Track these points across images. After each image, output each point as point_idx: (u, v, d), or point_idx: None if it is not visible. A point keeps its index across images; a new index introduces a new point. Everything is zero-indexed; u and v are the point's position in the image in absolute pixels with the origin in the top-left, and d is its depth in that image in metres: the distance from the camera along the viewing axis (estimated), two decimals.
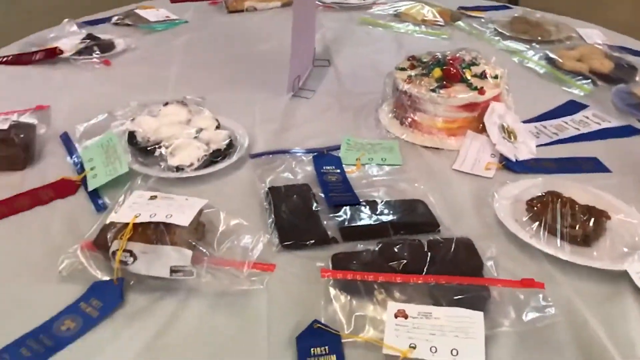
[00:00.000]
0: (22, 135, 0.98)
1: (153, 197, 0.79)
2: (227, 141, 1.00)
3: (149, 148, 0.98)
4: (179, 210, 0.76)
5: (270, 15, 1.76)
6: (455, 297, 0.68)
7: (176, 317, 0.69)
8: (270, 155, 1.02)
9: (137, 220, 0.74)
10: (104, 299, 0.71)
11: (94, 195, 0.91)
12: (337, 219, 0.85)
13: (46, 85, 1.28)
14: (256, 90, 1.26)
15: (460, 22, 1.68)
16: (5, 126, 0.97)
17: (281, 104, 1.22)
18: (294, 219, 0.84)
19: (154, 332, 0.67)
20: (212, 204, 0.80)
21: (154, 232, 0.73)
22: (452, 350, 0.62)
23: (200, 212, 0.78)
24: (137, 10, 1.63)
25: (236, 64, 1.41)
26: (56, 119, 1.12)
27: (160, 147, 0.96)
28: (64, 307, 0.70)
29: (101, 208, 0.88)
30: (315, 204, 0.87)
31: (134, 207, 0.77)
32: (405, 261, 0.73)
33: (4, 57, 1.39)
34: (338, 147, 1.04)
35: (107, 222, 0.77)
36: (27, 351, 0.64)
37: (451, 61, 1.07)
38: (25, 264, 0.77)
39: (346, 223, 0.84)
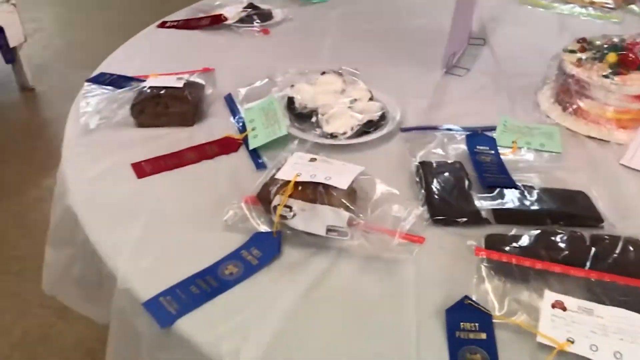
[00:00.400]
0: (193, 94, 1.06)
1: (313, 160, 0.83)
2: (380, 113, 1.01)
3: (305, 114, 1.02)
4: (337, 173, 0.79)
5: None
6: (622, 298, 0.64)
7: (328, 274, 0.72)
8: (421, 131, 1.02)
9: (298, 179, 0.78)
10: (263, 249, 0.76)
11: (254, 154, 0.97)
12: (490, 200, 0.83)
13: (211, 49, 1.37)
14: (409, 64, 1.26)
15: (634, 6, 1.54)
16: (180, 85, 1.06)
17: (434, 80, 1.20)
18: (446, 195, 0.83)
19: (308, 285, 0.71)
20: (366, 172, 0.82)
21: (313, 192, 0.77)
22: (615, 353, 0.59)
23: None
24: None
25: (389, 38, 1.41)
26: (220, 81, 1.20)
27: (316, 114, 1.00)
28: (228, 253, 0.75)
29: (261, 166, 0.93)
30: (467, 183, 0.86)
31: (295, 166, 0.81)
32: (565, 252, 0.70)
33: (174, 21, 1.51)
34: (492, 128, 1.01)
35: (270, 178, 0.82)
36: (196, 289, 0.71)
37: (630, 46, 0.99)
38: (193, 211, 0.84)
39: (500, 205, 0.82)
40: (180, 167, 0.94)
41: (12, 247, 1.81)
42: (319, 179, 0.78)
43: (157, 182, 0.91)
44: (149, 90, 1.04)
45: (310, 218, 0.75)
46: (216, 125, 1.06)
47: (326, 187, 0.77)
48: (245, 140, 1.00)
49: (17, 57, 2.62)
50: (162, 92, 1.03)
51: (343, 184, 0.76)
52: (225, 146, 0.99)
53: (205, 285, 0.71)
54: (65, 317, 1.56)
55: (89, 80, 1.20)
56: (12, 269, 1.72)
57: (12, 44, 2.54)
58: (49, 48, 3.10)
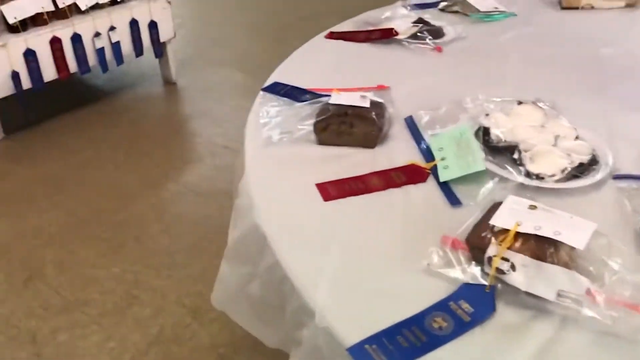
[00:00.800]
0: (378, 115, 1.00)
1: (533, 207, 0.74)
2: (590, 156, 0.90)
3: (502, 147, 0.93)
4: (568, 228, 0.69)
5: (612, 15, 1.56)
6: None
7: (553, 345, 0.63)
8: (638, 180, 0.89)
9: (519, 230, 0.69)
10: (474, 304, 0.68)
11: (446, 186, 0.89)
12: None
13: (381, 65, 1.31)
14: (607, 99, 1.13)
15: None
16: (366, 104, 1.00)
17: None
18: None
19: (531, 355, 0.62)
20: (599, 230, 0.71)
21: (538, 247, 0.68)
22: None
23: None
24: None
25: (576, 67, 1.28)
26: (395, 100, 1.14)
27: (518, 150, 0.90)
28: (433, 303, 0.68)
29: (455, 202, 0.85)
30: None
31: (512, 213, 0.73)
32: None
33: (342, 32, 1.46)
34: None
35: (480, 222, 0.74)
36: (404, 341, 0.64)
37: None
38: (387, 246, 0.78)
39: None
40: (366, 194, 0.88)
41: (152, 241, 1.85)
42: (547, 233, 0.68)
43: (345, 207, 0.85)
44: (333, 108, 1.00)
45: (535, 277, 0.66)
46: (398, 149, 0.99)
47: (553, 242, 0.68)
48: (433, 170, 0.92)
49: (165, 52, 2.73)
50: (348, 111, 0.98)
51: (579, 243, 0.67)
52: (413, 175, 0.92)
53: (413, 338, 0.64)
54: (200, 319, 1.57)
55: (264, 90, 1.18)
56: (152, 263, 1.76)
57: (162, 39, 2.66)
58: (191, 44, 3.22)
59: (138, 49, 2.57)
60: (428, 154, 0.97)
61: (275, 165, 0.96)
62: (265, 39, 3.44)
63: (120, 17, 2.46)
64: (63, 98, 2.67)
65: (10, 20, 2.14)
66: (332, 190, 0.89)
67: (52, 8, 2.26)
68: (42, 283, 1.70)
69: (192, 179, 2.18)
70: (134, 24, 2.51)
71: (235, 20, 3.75)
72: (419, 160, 0.96)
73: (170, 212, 2.01)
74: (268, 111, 1.08)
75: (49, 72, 2.30)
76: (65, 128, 2.49)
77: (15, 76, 2.19)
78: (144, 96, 2.76)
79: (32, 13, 2.19)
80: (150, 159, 2.30)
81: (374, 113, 0.99)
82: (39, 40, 2.23)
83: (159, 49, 2.67)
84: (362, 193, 0.88)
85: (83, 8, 2.34)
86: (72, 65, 2.36)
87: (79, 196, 2.08)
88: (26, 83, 2.24)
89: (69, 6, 2.31)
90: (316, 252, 0.77)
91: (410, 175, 0.92)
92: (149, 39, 2.59)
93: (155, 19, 2.58)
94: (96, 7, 2.39)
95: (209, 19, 3.76)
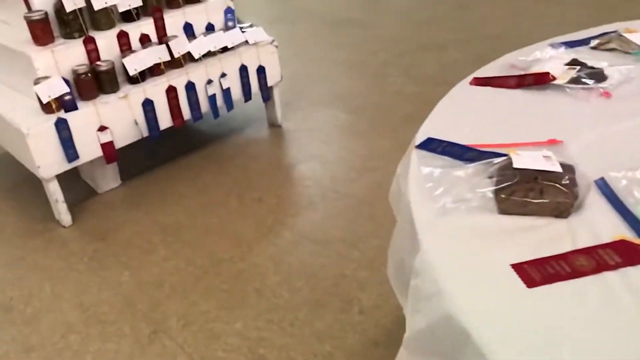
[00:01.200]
0: (570, 179, 0.88)
1: None
2: None
3: None
4: None
5: None
6: None
7: None
8: None
9: None
10: None
11: None
12: None
13: (542, 115, 1.18)
14: None
15: None
16: (556, 168, 0.88)
17: None
18: None
19: None
20: None
21: None
22: None
23: None
24: (624, 34, 1.43)
25: None
26: (573, 158, 1.00)
27: None
28: None
29: None
30: None
31: None
32: None
33: (489, 78, 1.35)
34: None
35: None
36: None
37: None
38: (625, 351, 0.65)
39: None
40: (574, 278, 0.75)
41: (272, 294, 1.79)
42: None
43: (554, 295, 0.73)
44: (519, 173, 0.88)
45: None
46: (596, 219, 0.85)
47: None
48: None
49: (272, 95, 2.73)
50: (538, 177, 0.86)
51: None
52: (627, 254, 0.78)
53: None
54: None
55: (419, 147, 1.08)
56: (274, 318, 1.69)
57: (270, 83, 2.65)
58: (293, 85, 3.21)
59: (247, 94, 2.58)
60: (638, 227, 0.82)
61: (454, 239, 0.85)
62: (363, 76, 3.38)
63: (230, 63, 2.48)
64: (172, 144, 2.71)
65: (131, 72, 2.20)
66: (534, 273, 0.76)
67: (168, 58, 2.31)
68: (167, 337, 1.67)
69: (306, 226, 2.12)
70: (243, 69, 2.52)
71: (333, 58, 3.73)
72: (628, 234, 0.82)
73: (287, 262, 1.94)
74: (432, 173, 0.98)
75: (164, 120, 2.34)
76: (177, 174, 2.52)
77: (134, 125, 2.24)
78: (250, 140, 2.76)
79: (150, 64, 2.25)
80: (262, 204, 2.26)
81: (567, 178, 0.86)
82: (156, 89, 2.28)
83: (267, 92, 2.67)
84: (570, 278, 0.75)
85: (196, 56, 2.38)
86: (186, 112, 2.40)
87: (196, 244, 2.07)
88: (144, 131, 2.29)
89: (183, 55, 2.35)
90: (542, 358, 0.64)
91: (624, 254, 0.78)
92: (257, 83, 2.60)
93: (263, 64, 2.59)
94: (208, 54, 2.43)
95: (307, 58, 3.76)
